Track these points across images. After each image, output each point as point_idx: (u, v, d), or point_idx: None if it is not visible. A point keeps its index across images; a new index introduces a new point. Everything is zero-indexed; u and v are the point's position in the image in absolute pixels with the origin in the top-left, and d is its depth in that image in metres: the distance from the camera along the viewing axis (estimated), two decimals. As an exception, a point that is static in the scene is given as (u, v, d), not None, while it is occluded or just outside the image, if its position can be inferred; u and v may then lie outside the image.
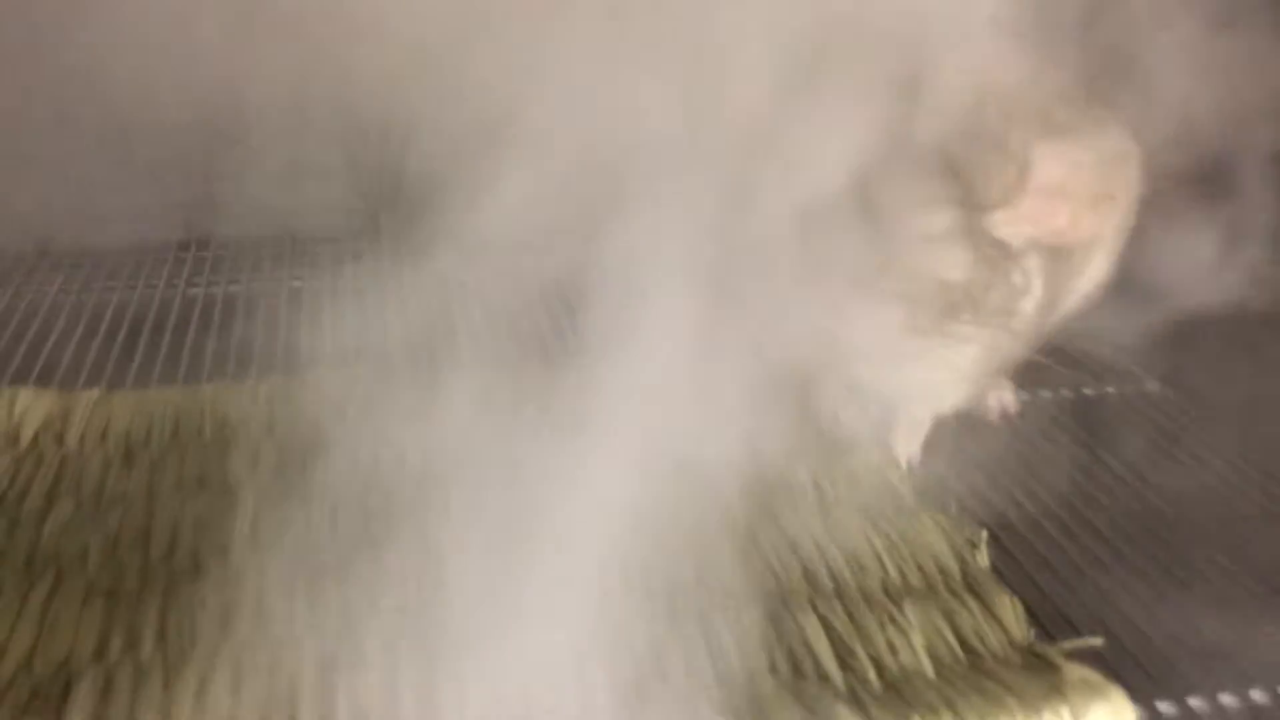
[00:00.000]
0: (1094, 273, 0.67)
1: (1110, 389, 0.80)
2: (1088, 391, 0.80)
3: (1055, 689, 0.48)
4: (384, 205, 1.02)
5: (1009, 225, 0.56)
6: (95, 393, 0.70)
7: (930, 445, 0.68)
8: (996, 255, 0.57)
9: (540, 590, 0.51)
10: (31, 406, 0.68)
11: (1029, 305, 0.60)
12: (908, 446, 0.68)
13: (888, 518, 0.61)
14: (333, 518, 0.59)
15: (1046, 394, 0.79)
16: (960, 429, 0.71)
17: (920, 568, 0.57)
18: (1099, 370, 0.82)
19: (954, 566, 0.57)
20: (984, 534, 0.59)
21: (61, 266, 0.94)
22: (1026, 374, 0.77)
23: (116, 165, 0.96)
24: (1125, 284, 0.71)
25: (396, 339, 0.80)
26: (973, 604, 0.54)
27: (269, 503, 0.60)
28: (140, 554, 0.57)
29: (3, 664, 0.49)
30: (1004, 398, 0.75)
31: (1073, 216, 0.58)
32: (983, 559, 0.58)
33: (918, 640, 0.52)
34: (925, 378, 0.63)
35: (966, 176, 0.55)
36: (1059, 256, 0.61)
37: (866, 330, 0.58)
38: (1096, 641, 0.53)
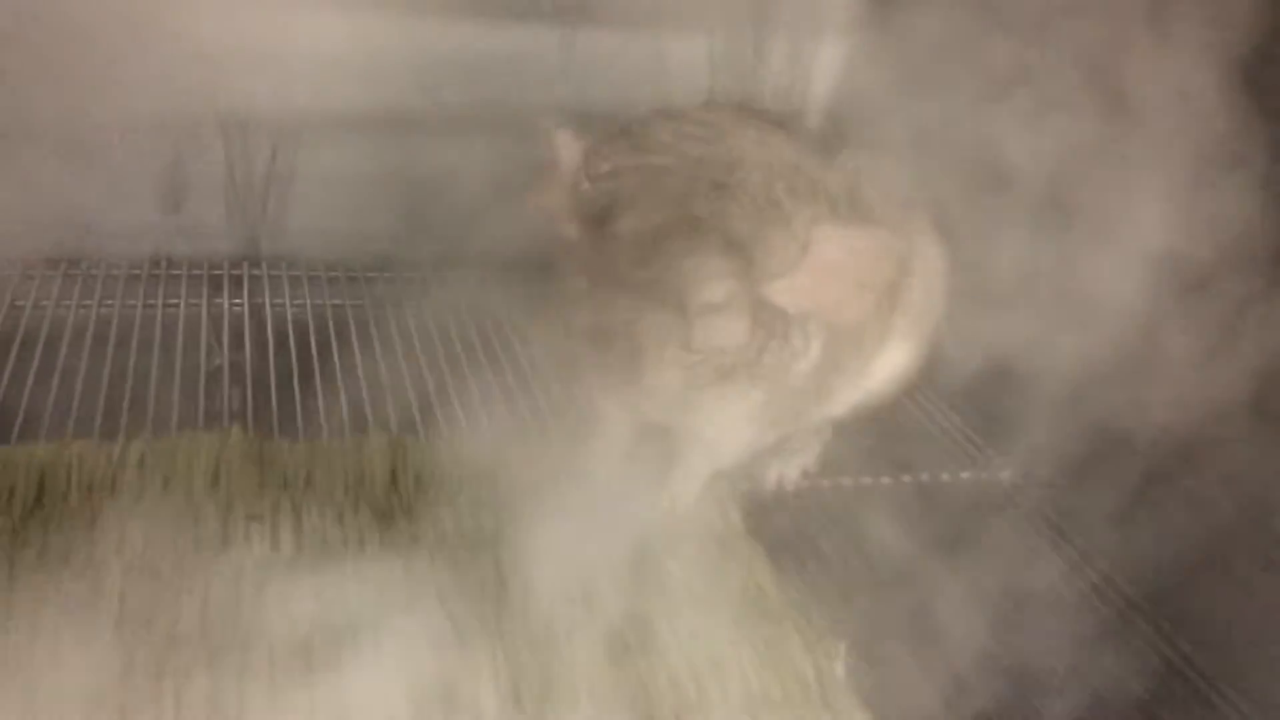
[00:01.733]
0: (893, 360, 0.72)
1: (965, 475, 0.85)
2: (945, 478, 0.84)
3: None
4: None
5: (786, 297, 0.60)
6: (-47, 446, 0.68)
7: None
8: (773, 320, 0.60)
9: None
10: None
11: (805, 366, 0.64)
12: (681, 494, 0.71)
13: (751, 619, 0.63)
14: (204, 609, 0.59)
15: (907, 479, 0.83)
16: (809, 514, 0.75)
17: (779, 676, 0.60)
18: (957, 455, 0.86)
19: (811, 679, 0.60)
20: (841, 646, 0.62)
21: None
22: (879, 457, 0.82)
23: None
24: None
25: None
26: (826, 717, 0.57)
27: (137, 586, 0.59)
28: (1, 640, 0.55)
29: None
30: (785, 472, 0.79)
31: (838, 298, 0.61)
32: (839, 670, 0.61)
33: (774, 758, 0.54)
34: (703, 428, 0.67)
35: (749, 250, 0.57)
36: (842, 333, 0.65)
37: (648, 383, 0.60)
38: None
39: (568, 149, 0.62)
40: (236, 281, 0.96)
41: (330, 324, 0.91)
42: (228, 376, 0.83)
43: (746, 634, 0.62)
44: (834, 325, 0.64)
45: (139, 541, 0.63)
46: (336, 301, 0.95)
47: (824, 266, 0.59)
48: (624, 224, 0.57)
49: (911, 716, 0.61)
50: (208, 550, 0.63)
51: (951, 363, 0.78)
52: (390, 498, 0.69)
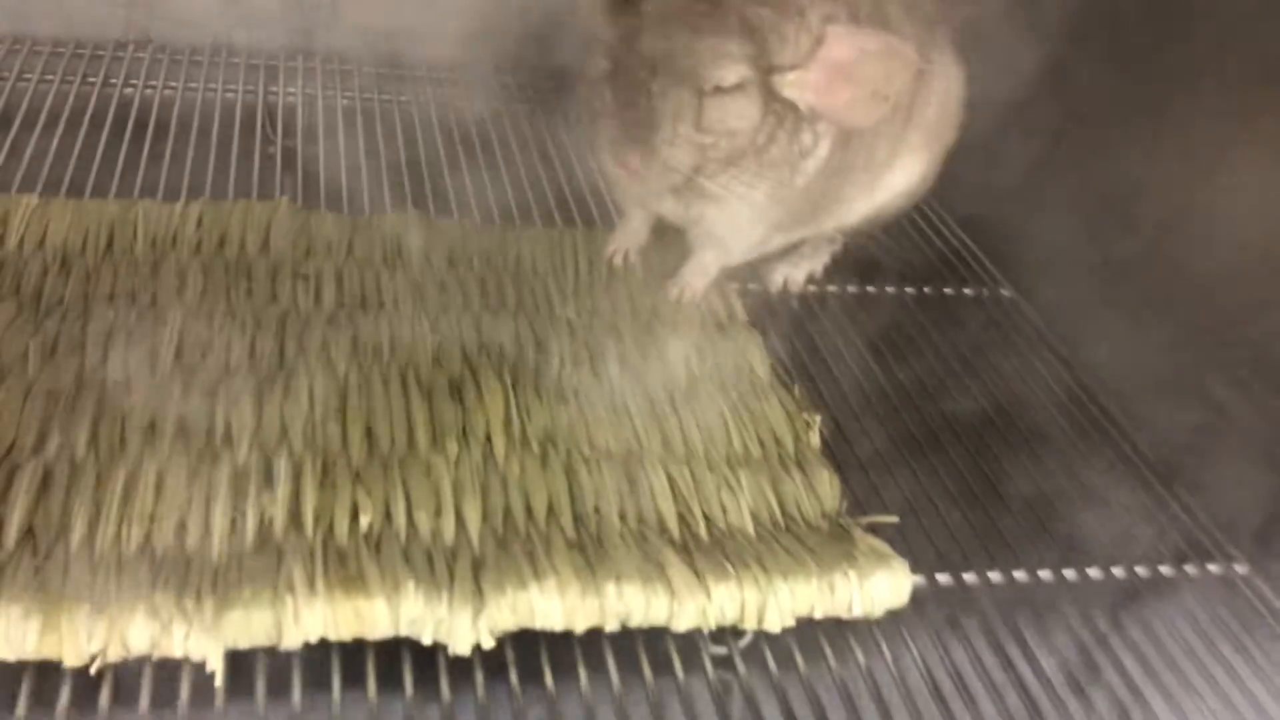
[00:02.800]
0: (905, 173, 0.77)
1: (967, 291, 0.89)
2: (948, 291, 0.89)
3: (848, 555, 0.59)
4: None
5: (796, 89, 0.63)
6: (34, 199, 0.75)
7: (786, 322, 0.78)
8: (783, 111, 0.64)
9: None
10: (-28, 206, 0.73)
11: (812, 166, 0.68)
12: (691, 285, 0.77)
13: (742, 394, 0.70)
14: (251, 344, 0.66)
15: (910, 290, 0.88)
16: (807, 313, 0.81)
17: (760, 442, 0.66)
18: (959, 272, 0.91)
19: (789, 443, 0.67)
20: (818, 418, 0.68)
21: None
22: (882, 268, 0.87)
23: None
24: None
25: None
26: (798, 477, 0.64)
27: (193, 324, 0.67)
28: (77, 359, 0.63)
29: (-48, 451, 0.57)
30: (792, 275, 0.84)
31: (850, 100, 0.64)
32: (814, 439, 0.67)
33: (745, 504, 0.61)
34: (713, 224, 0.72)
35: (762, 36, 0.61)
36: (854, 138, 0.69)
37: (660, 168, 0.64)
38: (892, 519, 0.63)
39: None
40: (291, 73, 1.01)
41: (377, 118, 0.96)
42: (280, 162, 0.89)
43: (734, 404, 0.68)
44: (844, 128, 0.68)
45: (197, 289, 0.70)
46: (385, 96, 0.99)
47: (835, 65, 0.63)
48: (650, 2, 0.61)
49: (877, 471, 0.67)
50: (257, 300, 0.70)
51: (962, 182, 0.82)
52: (425, 271, 0.75)
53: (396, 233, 0.78)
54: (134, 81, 0.95)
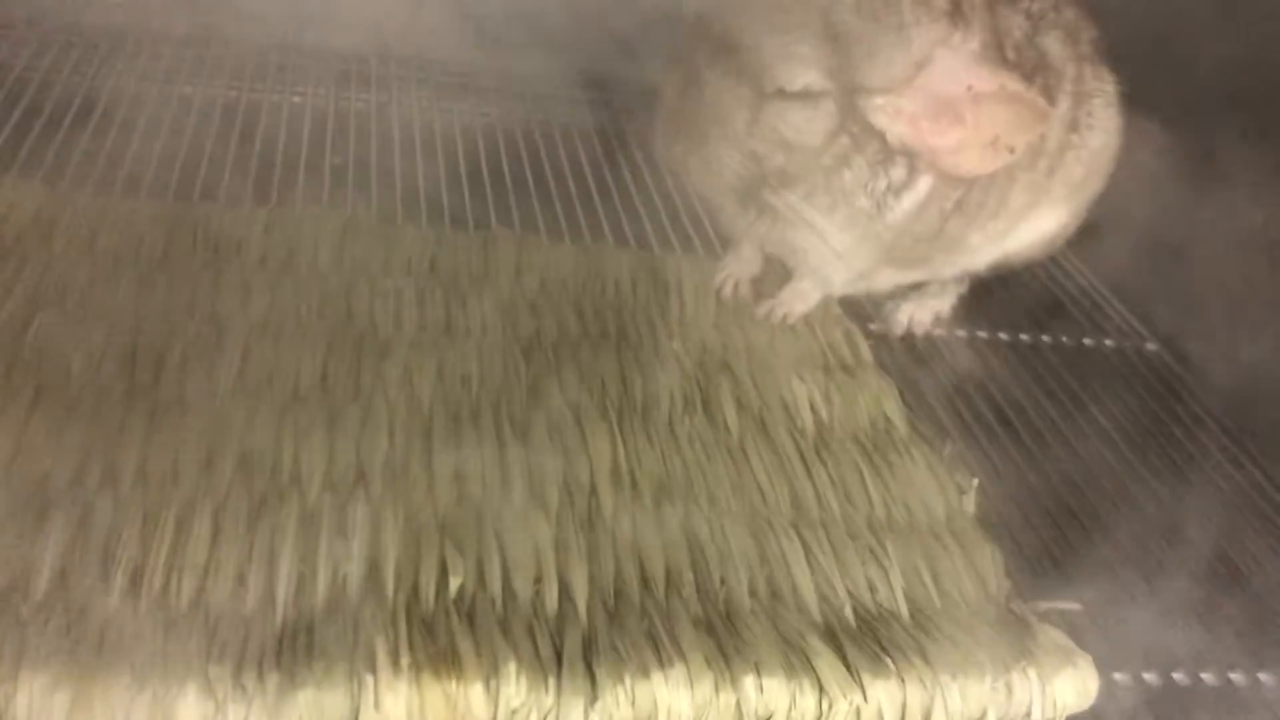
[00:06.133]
0: (1042, 224, 0.67)
1: (1109, 342, 0.80)
2: (1087, 342, 0.79)
3: (1027, 651, 0.49)
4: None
5: (884, 117, 0.54)
6: (86, 196, 0.67)
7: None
8: (863, 138, 0.55)
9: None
10: (18, 202, 0.65)
11: (907, 204, 0.59)
12: (790, 310, 0.69)
13: (880, 449, 0.61)
14: (323, 368, 0.58)
15: (1046, 339, 0.78)
16: (935, 358, 0.72)
17: (907, 506, 0.57)
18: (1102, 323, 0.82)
19: (940, 509, 0.57)
20: (974, 481, 0.59)
21: (53, 44, 0.89)
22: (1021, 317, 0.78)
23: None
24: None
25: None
26: (955, 549, 0.55)
27: (258, 342, 0.59)
28: (124, 378, 0.55)
29: (-22, 477, 0.48)
30: (917, 316, 0.75)
31: (960, 144, 0.55)
32: (969, 505, 0.58)
33: (896, 581, 0.52)
34: (800, 247, 0.63)
35: (847, 46, 0.52)
36: (974, 183, 0.60)
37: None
38: (1075, 606, 0.53)
39: None
40: (362, 78, 0.93)
41: (457, 130, 0.88)
42: (353, 170, 0.81)
43: (871, 460, 0.59)
44: (946, 174, 0.58)
45: (262, 303, 0.62)
46: (464, 107, 0.92)
47: (940, 99, 0.54)
48: None
49: (1038, 559, 0.58)
50: (330, 319, 0.62)
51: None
52: (514, 293, 0.67)
53: (483, 249, 0.70)
54: (196, 81, 0.88)
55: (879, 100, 0.54)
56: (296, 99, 0.88)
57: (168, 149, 0.77)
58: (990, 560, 0.54)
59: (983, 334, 0.77)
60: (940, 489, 0.58)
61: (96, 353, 0.56)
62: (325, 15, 0.94)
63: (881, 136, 0.56)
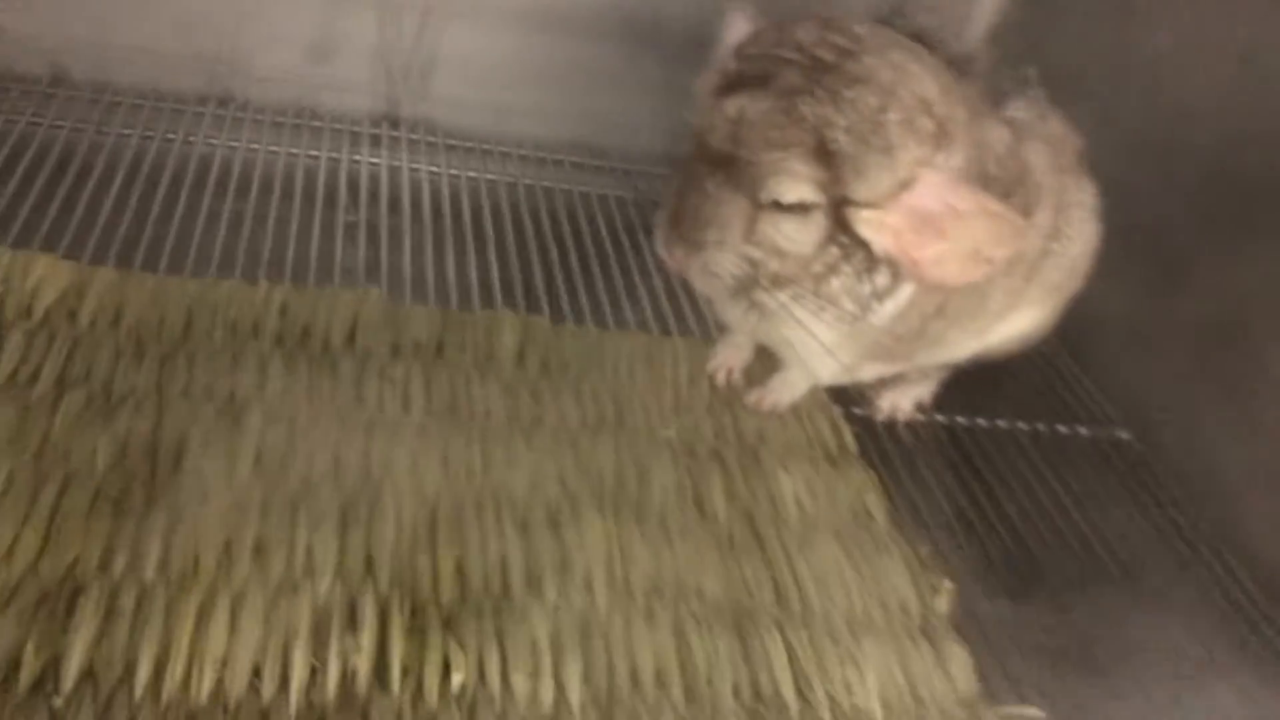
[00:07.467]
0: (1020, 323, 0.71)
1: (1082, 430, 0.83)
2: (1061, 429, 0.83)
3: (990, 756, 0.52)
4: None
5: (870, 230, 0.58)
6: (111, 272, 0.70)
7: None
8: (851, 248, 0.59)
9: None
10: (47, 278, 0.68)
11: (890, 309, 0.62)
12: (778, 399, 0.73)
13: (860, 543, 0.64)
14: (336, 454, 0.61)
15: (1023, 426, 0.82)
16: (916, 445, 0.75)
17: (882, 604, 0.61)
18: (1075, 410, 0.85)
19: (914, 607, 0.61)
20: (947, 583, 0.62)
21: (78, 100, 0.92)
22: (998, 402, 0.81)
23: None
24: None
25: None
26: (926, 651, 0.58)
27: (274, 427, 0.62)
28: (148, 464, 0.58)
29: (12, 564, 0.51)
30: (899, 403, 0.78)
31: (940, 256, 0.58)
32: (942, 605, 0.61)
33: (871, 681, 0.55)
34: (789, 339, 0.66)
35: (838, 163, 0.56)
36: (954, 289, 0.63)
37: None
38: (1039, 714, 0.57)
39: (736, 29, 0.61)
40: (375, 141, 0.96)
41: (464, 194, 0.91)
42: (364, 234, 0.84)
43: (853, 556, 0.63)
44: (927, 283, 0.62)
45: (278, 386, 0.65)
46: (472, 173, 0.95)
47: (922, 215, 0.57)
48: (731, 102, 0.56)
49: (1011, 660, 0.61)
50: (342, 402, 0.65)
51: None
52: (517, 376, 0.70)
53: (488, 333, 0.73)
54: (214, 139, 0.91)
55: (866, 214, 0.58)
56: (310, 159, 0.92)
57: (188, 216, 0.80)
58: (961, 663, 0.58)
59: (961, 420, 0.81)
60: (915, 586, 0.62)
61: (121, 437, 0.59)
62: (337, 79, 0.98)
63: (868, 246, 0.59)
